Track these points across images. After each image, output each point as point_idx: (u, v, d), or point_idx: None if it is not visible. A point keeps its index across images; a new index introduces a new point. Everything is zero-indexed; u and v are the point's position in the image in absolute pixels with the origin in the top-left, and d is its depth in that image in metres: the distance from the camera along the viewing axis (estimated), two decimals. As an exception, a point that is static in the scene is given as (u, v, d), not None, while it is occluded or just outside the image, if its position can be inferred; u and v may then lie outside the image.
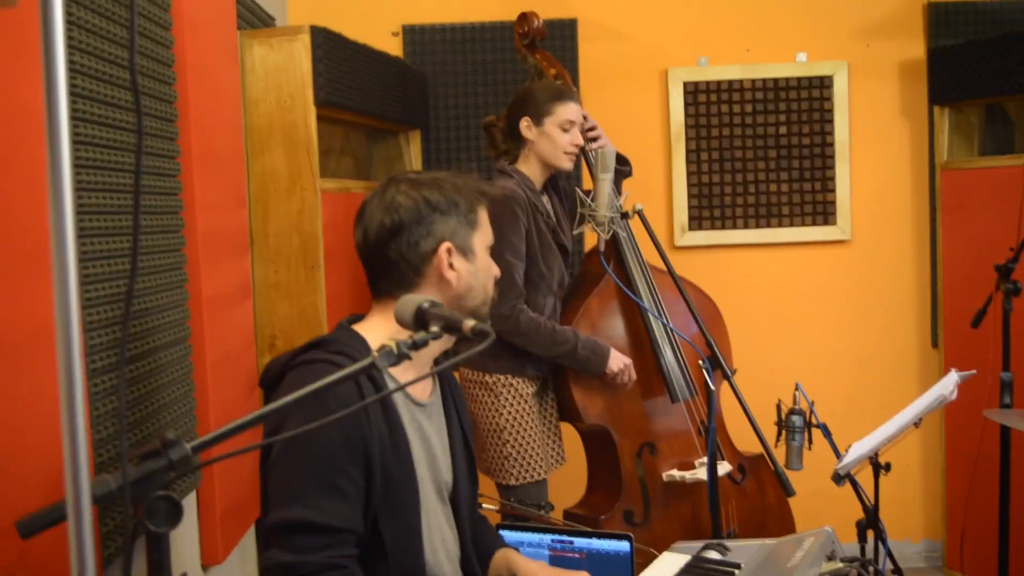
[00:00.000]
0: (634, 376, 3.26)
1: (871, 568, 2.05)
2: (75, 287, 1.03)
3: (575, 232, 3.29)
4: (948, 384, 2.72)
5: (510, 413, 3.23)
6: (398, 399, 1.93)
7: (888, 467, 2.92)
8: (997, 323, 3.36)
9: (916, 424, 2.73)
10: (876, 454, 2.86)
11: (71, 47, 1.91)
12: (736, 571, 2.11)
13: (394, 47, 4.34)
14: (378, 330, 1.97)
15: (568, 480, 3.65)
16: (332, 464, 1.77)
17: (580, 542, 2.46)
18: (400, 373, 1.92)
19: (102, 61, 2.02)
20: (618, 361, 3.22)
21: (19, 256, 1.69)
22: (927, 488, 4.55)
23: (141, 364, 2.21)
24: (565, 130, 3.25)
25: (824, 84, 4.38)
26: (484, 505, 2.79)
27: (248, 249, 3.11)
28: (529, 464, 3.23)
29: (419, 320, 1.53)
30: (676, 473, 3.28)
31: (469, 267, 1.99)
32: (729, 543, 2.28)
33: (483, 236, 2.02)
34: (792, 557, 2.09)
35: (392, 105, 3.90)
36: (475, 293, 2.00)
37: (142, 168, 2.17)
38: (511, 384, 3.24)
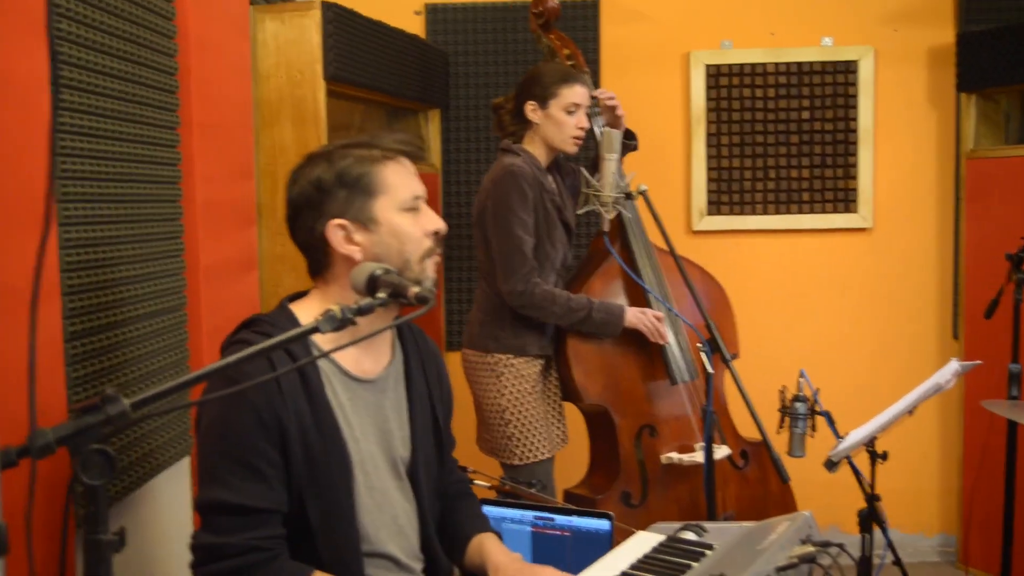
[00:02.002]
0: (659, 326, 3.26)
1: (842, 552, 2.04)
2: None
3: (580, 212, 3.30)
4: (946, 373, 2.70)
5: (512, 393, 3.25)
6: (333, 377, 1.92)
7: (885, 456, 2.89)
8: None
9: (910, 412, 2.70)
10: (873, 442, 2.84)
11: (58, 14, 1.95)
12: (708, 552, 2.12)
13: (417, 26, 4.36)
14: (311, 311, 1.94)
15: (573, 460, 3.67)
16: (247, 445, 1.78)
17: (561, 519, 2.48)
18: (339, 351, 1.91)
19: (89, 28, 2.06)
20: (635, 316, 3.24)
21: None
22: (944, 481, 4.50)
23: (130, 328, 2.26)
24: (570, 112, 3.25)
25: (849, 69, 4.33)
26: (476, 482, 2.82)
27: (255, 221, 3.15)
28: (532, 444, 3.25)
29: (370, 286, 1.55)
30: (675, 456, 3.28)
31: (372, 237, 1.90)
32: (708, 525, 2.28)
33: (390, 198, 1.92)
34: (765, 539, 2.09)
35: (409, 83, 3.92)
36: (389, 261, 1.85)
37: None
38: (512, 364, 3.26)
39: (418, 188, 1.97)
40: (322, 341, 1.88)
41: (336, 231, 1.90)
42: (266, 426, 1.79)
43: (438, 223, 1.98)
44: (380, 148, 1.95)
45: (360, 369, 1.97)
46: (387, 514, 1.98)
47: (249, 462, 1.78)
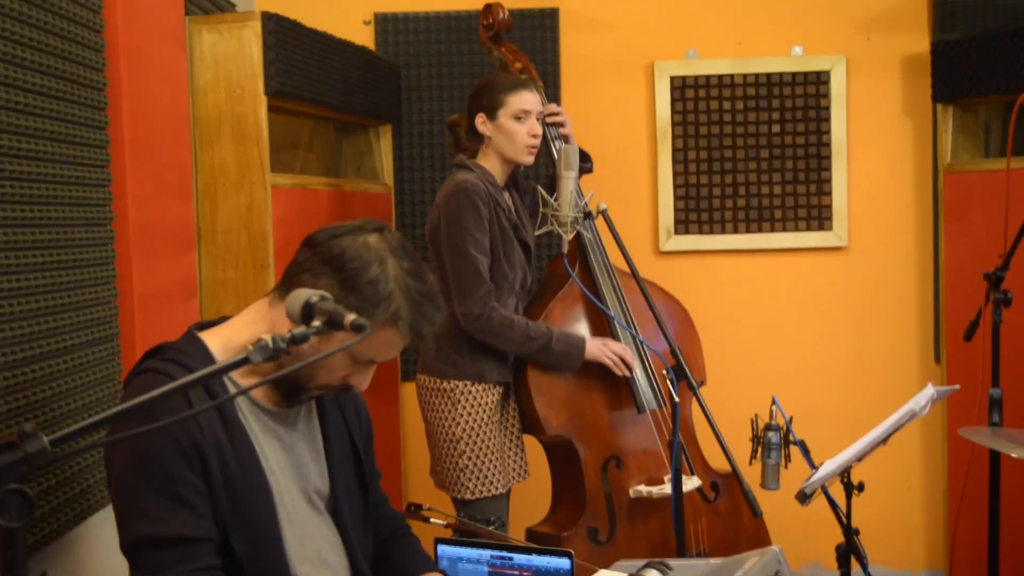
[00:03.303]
0: (625, 357, 3.30)
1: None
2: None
3: (537, 233, 3.33)
4: (921, 399, 2.73)
5: (467, 423, 3.27)
6: (245, 407, 1.93)
7: (861, 487, 2.92)
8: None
9: (884, 442, 2.74)
10: (847, 473, 2.87)
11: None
12: (673, 589, 2.15)
13: (366, 36, 4.39)
14: (227, 340, 1.95)
15: (534, 496, 3.69)
16: (170, 475, 1.78)
17: (520, 558, 2.49)
18: (246, 380, 1.93)
19: (8, 41, 2.08)
20: (596, 348, 3.28)
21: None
22: (929, 513, 4.55)
23: (58, 361, 2.26)
24: (519, 119, 3.29)
25: (821, 80, 4.41)
26: (432, 520, 2.83)
27: (195, 245, 3.17)
28: (486, 477, 3.27)
29: (306, 314, 1.57)
30: (643, 488, 3.31)
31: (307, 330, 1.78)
32: (673, 562, 2.32)
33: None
34: (731, 576, 2.13)
35: (357, 97, 3.95)
36: (298, 356, 1.83)
37: None
38: (470, 391, 3.28)
39: (385, 356, 1.96)
40: (237, 372, 1.89)
41: (300, 291, 1.79)
42: (186, 454, 1.79)
43: (361, 386, 1.99)
44: (414, 313, 1.89)
45: (270, 400, 1.99)
46: (310, 548, 2.00)
47: (174, 491, 1.78)
